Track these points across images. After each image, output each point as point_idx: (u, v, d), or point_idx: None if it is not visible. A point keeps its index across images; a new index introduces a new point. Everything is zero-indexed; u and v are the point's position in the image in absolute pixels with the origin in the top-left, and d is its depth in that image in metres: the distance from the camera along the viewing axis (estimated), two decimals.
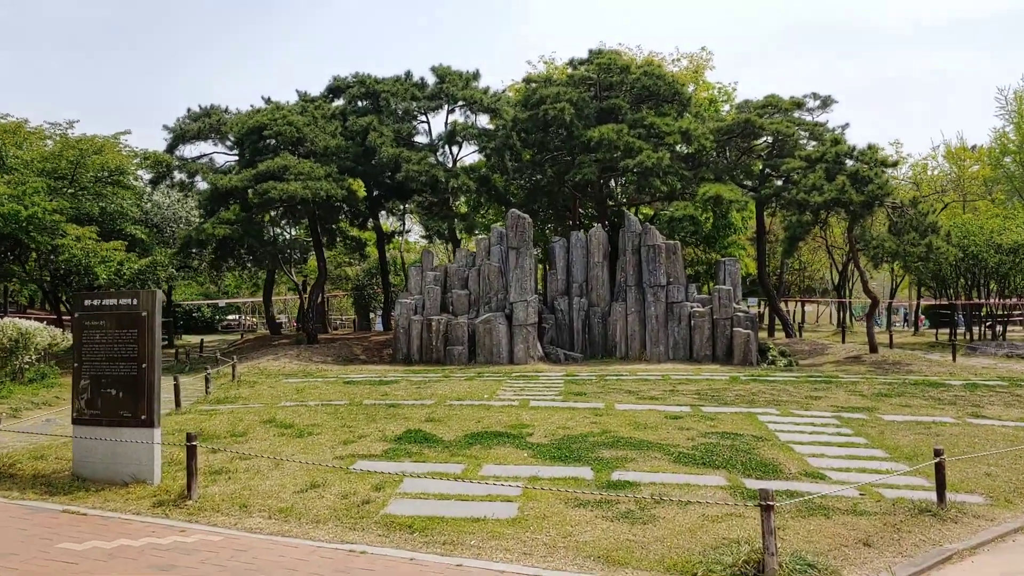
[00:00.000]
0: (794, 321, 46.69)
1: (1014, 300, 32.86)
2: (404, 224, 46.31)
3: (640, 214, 37.96)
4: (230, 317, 64.63)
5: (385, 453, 10.68)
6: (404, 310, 26.78)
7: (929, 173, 49.96)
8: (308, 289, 49.45)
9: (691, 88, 39.04)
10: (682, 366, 23.67)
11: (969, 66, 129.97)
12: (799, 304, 56.61)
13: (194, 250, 31.11)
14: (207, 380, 17.87)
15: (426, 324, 26.16)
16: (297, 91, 37.99)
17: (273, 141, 31.15)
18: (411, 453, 10.67)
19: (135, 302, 9.35)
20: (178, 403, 15.89)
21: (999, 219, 31.87)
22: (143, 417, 9.26)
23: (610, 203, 32.91)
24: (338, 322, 62.19)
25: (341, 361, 26.92)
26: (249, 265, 36.48)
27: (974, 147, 50.96)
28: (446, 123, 32.01)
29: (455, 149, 32.81)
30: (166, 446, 10.52)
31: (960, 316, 40.01)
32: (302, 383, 20.09)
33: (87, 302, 9.59)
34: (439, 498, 8.45)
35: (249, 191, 28.91)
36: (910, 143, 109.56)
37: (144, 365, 9.26)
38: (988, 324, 34.03)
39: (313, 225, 32.79)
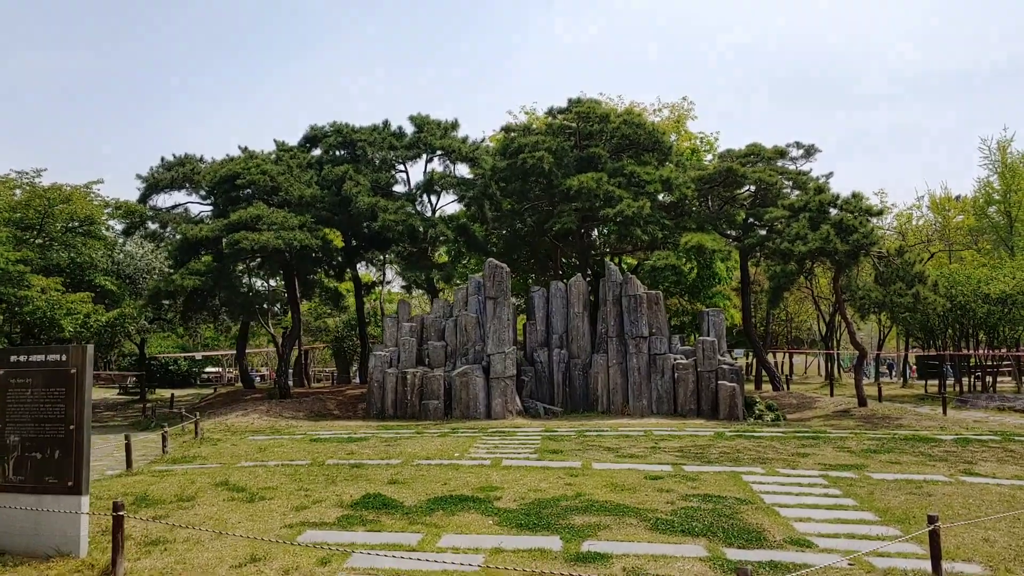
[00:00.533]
0: (781, 373, 46.17)
1: (1004, 351, 32.46)
2: (384, 275, 45.72)
3: (624, 264, 37.61)
4: (210, 370, 63.57)
5: (339, 521, 9.96)
6: (379, 363, 26.09)
7: (914, 223, 50.00)
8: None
9: (673, 138, 39.04)
10: (665, 421, 23.02)
11: (950, 120, 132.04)
12: (787, 355, 56.14)
13: (165, 302, 30.39)
14: (164, 438, 17.06)
15: (401, 377, 25.46)
16: (275, 140, 37.67)
17: (247, 191, 30.75)
18: (366, 521, 9.95)
19: (63, 358, 8.69)
20: (129, 463, 15.08)
21: (986, 268, 31.60)
22: (70, 483, 8.54)
23: (592, 253, 32.54)
24: (321, 375, 61.24)
25: (313, 417, 26.11)
26: (222, 317, 35.71)
27: (958, 197, 51.18)
28: (425, 172, 31.76)
29: (433, 199, 32.56)
30: (104, 514, 9.77)
31: (948, 367, 39.63)
32: (267, 441, 19.30)
33: (13, 358, 8.93)
34: (389, 575, 7.74)
35: (222, 241, 28.39)
36: (894, 194, 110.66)
37: (72, 427, 8.57)
38: (977, 375, 33.61)
39: (288, 276, 32.20)
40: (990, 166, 46.01)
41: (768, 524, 9.86)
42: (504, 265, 25.42)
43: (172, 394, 36.37)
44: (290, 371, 33.70)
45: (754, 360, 38.74)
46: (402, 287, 52.12)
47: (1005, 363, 34.56)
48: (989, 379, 32.54)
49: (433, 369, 25.64)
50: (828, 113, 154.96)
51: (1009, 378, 39.04)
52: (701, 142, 42.58)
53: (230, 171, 30.61)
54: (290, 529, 9.56)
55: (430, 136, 31.53)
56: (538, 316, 26.67)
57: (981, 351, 32.63)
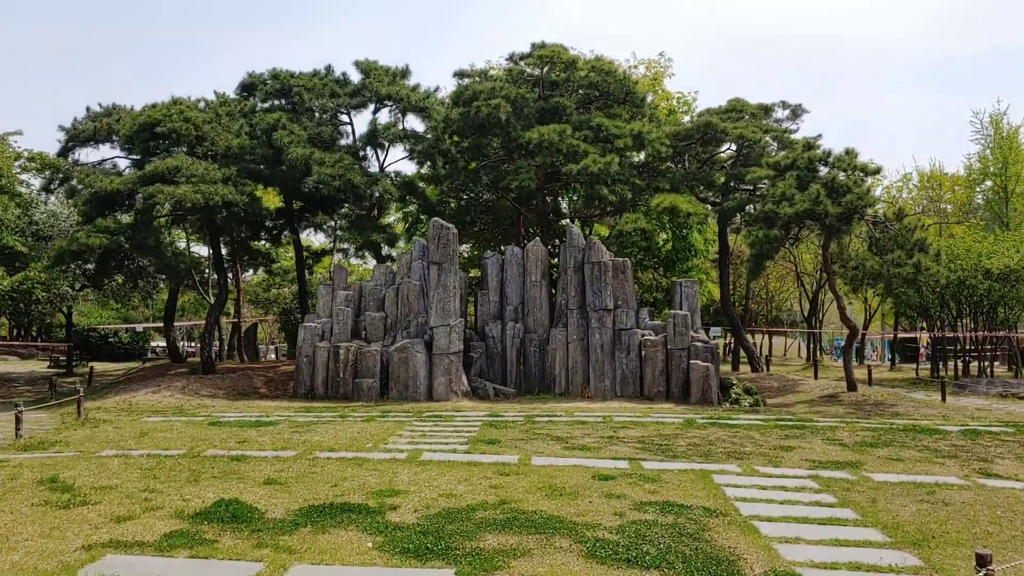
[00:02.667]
0: (761, 354, 44.23)
1: (1004, 332, 30.52)
2: (336, 242, 42.91)
3: (595, 234, 35.20)
4: (159, 344, 60.49)
5: (161, 540, 7.50)
6: (309, 336, 23.55)
7: (905, 196, 48.06)
8: (236, 313, 46.03)
9: (649, 97, 36.54)
10: (630, 404, 20.71)
11: (935, 104, 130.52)
12: (766, 336, 54.23)
13: (70, 263, 27.58)
14: (17, 420, 14.42)
15: (333, 352, 22.94)
16: (216, 92, 34.65)
17: (169, 140, 27.95)
18: (200, 541, 7.49)
19: None
20: None
21: (988, 242, 29.52)
22: None
23: (556, 218, 30.09)
24: (272, 349, 58.44)
25: (234, 396, 23.59)
26: (140, 283, 32.88)
27: (949, 175, 49.49)
28: (370, 124, 28.96)
29: (381, 154, 29.74)
30: None
31: (929, 350, 37.85)
32: (159, 424, 16.76)
33: None
34: None
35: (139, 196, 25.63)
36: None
37: None
38: (963, 359, 31.72)
39: (214, 238, 29.45)
40: (982, 140, 44.30)
41: (744, 548, 7.55)
42: (451, 226, 22.84)
43: (91, 368, 33.59)
44: (215, 344, 31.00)
45: (732, 340, 36.63)
46: (357, 256, 49.44)
47: (998, 346, 32.68)
48: (985, 364, 30.59)
49: (370, 343, 23.15)
50: (819, 94, 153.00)
51: (997, 363, 37.27)
52: (679, 102, 40.13)
53: (149, 118, 27.77)
54: (86, 552, 7.09)
55: (376, 83, 28.72)
56: (491, 285, 24.21)
57: (973, 333, 30.65)
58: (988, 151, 43.97)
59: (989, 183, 44.26)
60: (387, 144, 29.09)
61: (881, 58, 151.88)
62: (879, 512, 9.13)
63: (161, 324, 58.38)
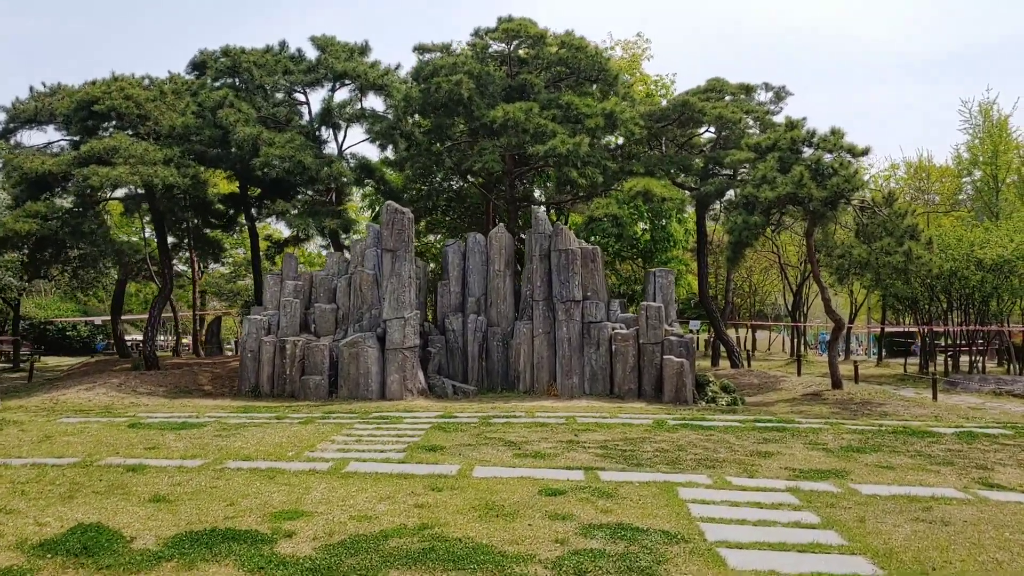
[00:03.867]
0: (743, 349, 43.16)
1: (996, 326, 29.46)
2: (296, 230, 41.32)
3: (571, 224, 33.90)
4: (129, 338, 58.72)
5: None
6: (253, 329, 22.12)
7: (892, 186, 47.05)
8: (204, 307, 44.50)
9: (626, 78, 35.23)
10: (598, 404, 19.41)
11: (922, 99, 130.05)
12: (750, 330, 53.18)
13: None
14: None
15: (279, 347, 21.52)
16: (169, 72, 33.00)
17: (110, 119, 26.42)
18: None
19: None
20: None
21: (980, 230, 28.43)
22: None
23: (524, 203, 28.75)
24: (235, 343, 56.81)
25: (174, 393, 22.14)
26: (81, 272, 31.23)
27: (937, 166, 48.67)
28: (324, 101, 27.44)
29: (338, 135, 28.21)
30: None
31: (916, 346, 36.85)
32: (76, 425, 15.32)
33: None
34: None
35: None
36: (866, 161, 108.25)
37: None
38: (950, 355, 30.69)
39: (158, 223, 27.89)
40: (971, 130, 43.43)
41: None
42: (406, 210, 21.40)
43: (32, 363, 31.99)
44: (158, 338, 29.49)
45: (712, 334, 35.47)
46: (321, 246, 47.84)
47: (980, 341, 31.67)
48: (976, 359, 29.55)
49: (319, 338, 21.74)
50: (806, 87, 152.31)
51: (982, 357, 36.31)
52: (656, 85, 38.81)
53: (87, 95, 26.22)
54: None
55: (332, 59, 27.20)
56: (452, 275, 22.84)
57: (970, 327, 29.57)
58: (977, 140, 43.12)
59: (979, 173, 43.40)
60: (344, 124, 27.61)
61: (870, 53, 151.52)
62: (868, 535, 7.88)
63: (130, 316, 56.68)
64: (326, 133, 28.14)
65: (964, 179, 45.52)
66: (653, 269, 23.42)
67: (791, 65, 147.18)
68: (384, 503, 8.73)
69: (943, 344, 31.90)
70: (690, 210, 32.87)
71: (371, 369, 20.37)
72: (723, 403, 19.51)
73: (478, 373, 22.03)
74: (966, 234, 27.96)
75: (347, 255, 24.58)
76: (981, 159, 42.59)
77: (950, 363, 29.89)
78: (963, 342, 30.96)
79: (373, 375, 20.39)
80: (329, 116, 26.55)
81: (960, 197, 47.43)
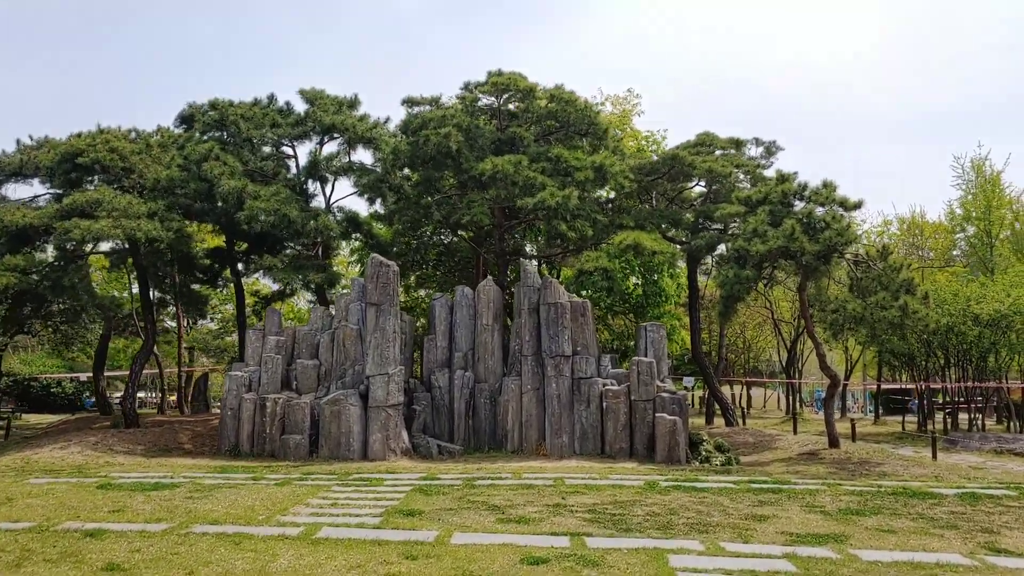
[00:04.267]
0: (738, 406, 42.68)
1: (995, 383, 29.06)
2: (284, 286, 40.94)
3: (562, 278, 33.61)
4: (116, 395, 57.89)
5: None
6: (234, 386, 21.62)
7: (886, 241, 47.09)
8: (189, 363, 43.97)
9: (617, 134, 35.30)
10: (588, 464, 18.86)
11: (919, 159, 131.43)
12: (744, 387, 52.68)
13: None
14: None
15: (260, 405, 20.99)
16: (158, 125, 32.87)
17: (93, 173, 26.21)
18: None
19: None
20: None
21: (976, 285, 28.22)
22: None
23: (514, 256, 28.47)
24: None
25: (153, 452, 21.56)
26: (63, 328, 30.73)
27: (930, 222, 48.88)
28: (311, 154, 27.28)
29: (326, 188, 28.00)
30: None
31: (915, 403, 36.39)
32: (43, 486, 14.76)
33: None
34: None
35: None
36: (859, 217, 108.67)
37: None
38: (948, 412, 30.27)
39: (141, 278, 27.52)
40: (963, 185, 43.60)
41: None
42: (391, 263, 21.07)
43: (8, 420, 31.32)
44: (145, 395, 28.94)
45: (706, 391, 35.00)
46: (309, 301, 47.45)
47: (978, 398, 31.26)
48: (976, 416, 29.08)
49: (301, 395, 21.24)
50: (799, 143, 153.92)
51: (978, 414, 35.88)
52: (648, 140, 38.90)
53: (72, 148, 26.02)
54: None
55: (321, 112, 27.11)
56: (439, 330, 22.44)
57: (968, 383, 29.19)
58: (970, 196, 43.28)
59: (972, 228, 43.47)
60: (331, 177, 27.38)
61: (864, 110, 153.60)
62: None
63: (115, 373, 55.96)
64: (313, 186, 27.94)
65: (958, 235, 45.68)
66: (644, 324, 23.06)
67: (790, 127, 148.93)
68: (354, 572, 8.21)
69: (941, 401, 31.48)
70: (682, 264, 32.71)
71: (353, 428, 19.82)
72: (717, 463, 18.98)
73: (465, 432, 21.48)
74: (962, 289, 27.75)
75: (332, 310, 24.18)
76: (974, 214, 42.71)
77: (949, 421, 29.41)
78: (961, 399, 30.54)
79: (355, 434, 19.84)
80: (316, 169, 26.38)
81: (954, 253, 47.56)
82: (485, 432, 21.46)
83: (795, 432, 26.00)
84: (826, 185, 20.11)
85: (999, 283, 27.78)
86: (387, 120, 28.25)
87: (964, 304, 25.49)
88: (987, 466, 19.40)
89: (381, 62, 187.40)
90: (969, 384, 29.16)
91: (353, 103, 28.63)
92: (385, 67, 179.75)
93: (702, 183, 27.30)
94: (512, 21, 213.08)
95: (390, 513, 11.84)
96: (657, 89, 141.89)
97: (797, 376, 45.76)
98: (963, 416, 29.98)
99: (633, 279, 36.27)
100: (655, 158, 30.03)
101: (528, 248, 34.51)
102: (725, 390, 44.17)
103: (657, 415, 19.67)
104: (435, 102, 25.92)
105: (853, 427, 24.37)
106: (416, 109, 25.65)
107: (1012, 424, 28.56)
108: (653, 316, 34.55)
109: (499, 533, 10.52)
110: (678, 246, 26.89)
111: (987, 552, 9.99)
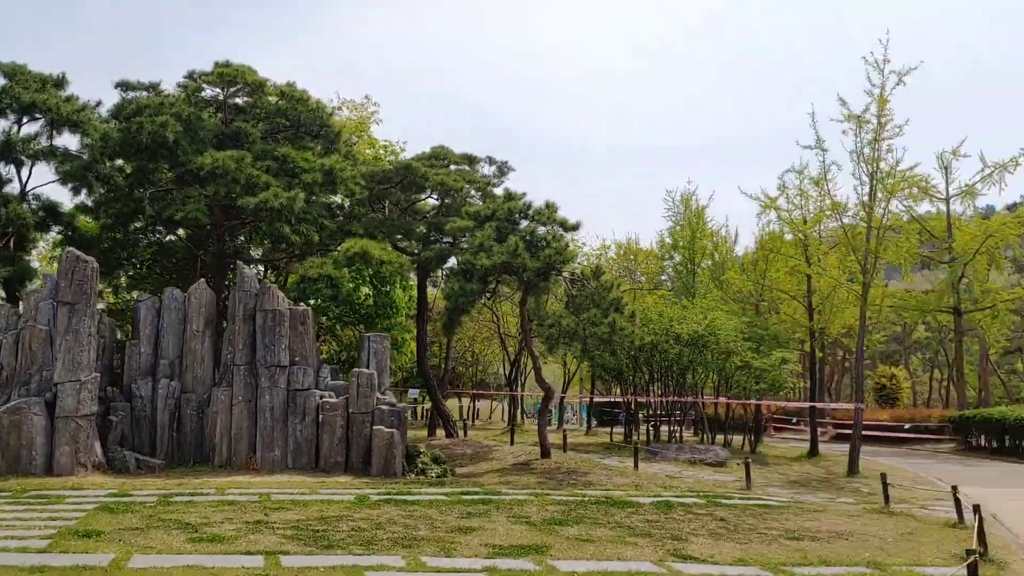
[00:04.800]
0: (466, 418, 43.38)
1: (692, 398, 31.55)
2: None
3: (289, 285, 32.35)
4: None
5: None
6: None
7: (604, 264, 50.09)
8: None
9: (353, 140, 34.73)
10: (300, 478, 18.10)
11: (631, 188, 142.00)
12: (472, 399, 53.71)
13: None
14: None
15: None
16: None
17: None
18: None
19: None
20: None
21: (678, 307, 30.54)
22: None
23: (234, 259, 27.00)
24: None
25: None
26: None
27: (644, 248, 52.67)
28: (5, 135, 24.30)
29: (22, 172, 25.04)
30: None
31: (623, 415, 38.81)
32: None
33: None
34: None
35: None
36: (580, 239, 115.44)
37: None
38: (653, 424, 32.59)
39: None
40: (673, 217, 47.26)
41: None
42: (90, 259, 19.13)
43: None
44: None
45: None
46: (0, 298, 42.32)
47: (678, 411, 33.90)
48: (675, 428, 31.43)
49: None
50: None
51: (679, 426, 38.99)
52: (385, 150, 38.68)
53: None
54: None
55: (20, 89, 24.26)
56: (144, 335, 20.67)
57: (669, 397, 31.49)
58: (679, 227, 46.96)
59: (678, 256, 47.17)
60: (28, 161, 24.59)
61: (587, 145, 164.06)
62: None
63: None
64: (7, 170, 24.92)
65: (666, 261, 49.41)
66: (368, 334, 22.68)
67: (544, 156, 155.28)
68: None
69: (647, 414, 33.69)
70: (413, 276, 32.70)
71: (36, 440, 17.70)
72: (433, 475, 18.96)
73: (168, 445, 19.91)
74: (666, 310, 29.87)
75: (21, 308, 21.61)
76: (681, 244, 46.41)
77: (652, 432, 31.51)
78: (663, 412, 32.85)
79: (38, 447, 17.73)
80: (11, 150, 23.54)
81: (662, 277, 51.49)
82: (191, 445, 20.03)
83: (512, 443, 26.70)
84: (548, 206, 20.88)
85: (698, 306, 30.22)
86: (99, 104, 25.89)
87: (667, 324, 27.43)
88: (682, 475, 20.88)
89: (115, 49, 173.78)
90: (671, 398, 31.41)
91: (60, 82, 25.91)
92: (117, 56, 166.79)
93: (435, 196, 27.46)
94: (266, 18, 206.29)
95: (63, 535, 10.55)
96: (410, 108, 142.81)
97: (520, 389, 47.30)
98: (665, 428, 32.26)
99: (365, 289, 35.78)
100: (389, 167, 29.84)
101: (252, 251, 33.00)
102: (454, 402, 44.75)
103: (375, 428, 19.31)
104: (153, 88, 24.11)
105: (565, 438, 25.40)
106: (132, 94, 23.74)
107: (705, 436, 31.11)
108: (384, 327, 34.21)
109: (187, 554, 9.67)
110: (409, 257, 26.81)
111: (674, 559, 10.58)
